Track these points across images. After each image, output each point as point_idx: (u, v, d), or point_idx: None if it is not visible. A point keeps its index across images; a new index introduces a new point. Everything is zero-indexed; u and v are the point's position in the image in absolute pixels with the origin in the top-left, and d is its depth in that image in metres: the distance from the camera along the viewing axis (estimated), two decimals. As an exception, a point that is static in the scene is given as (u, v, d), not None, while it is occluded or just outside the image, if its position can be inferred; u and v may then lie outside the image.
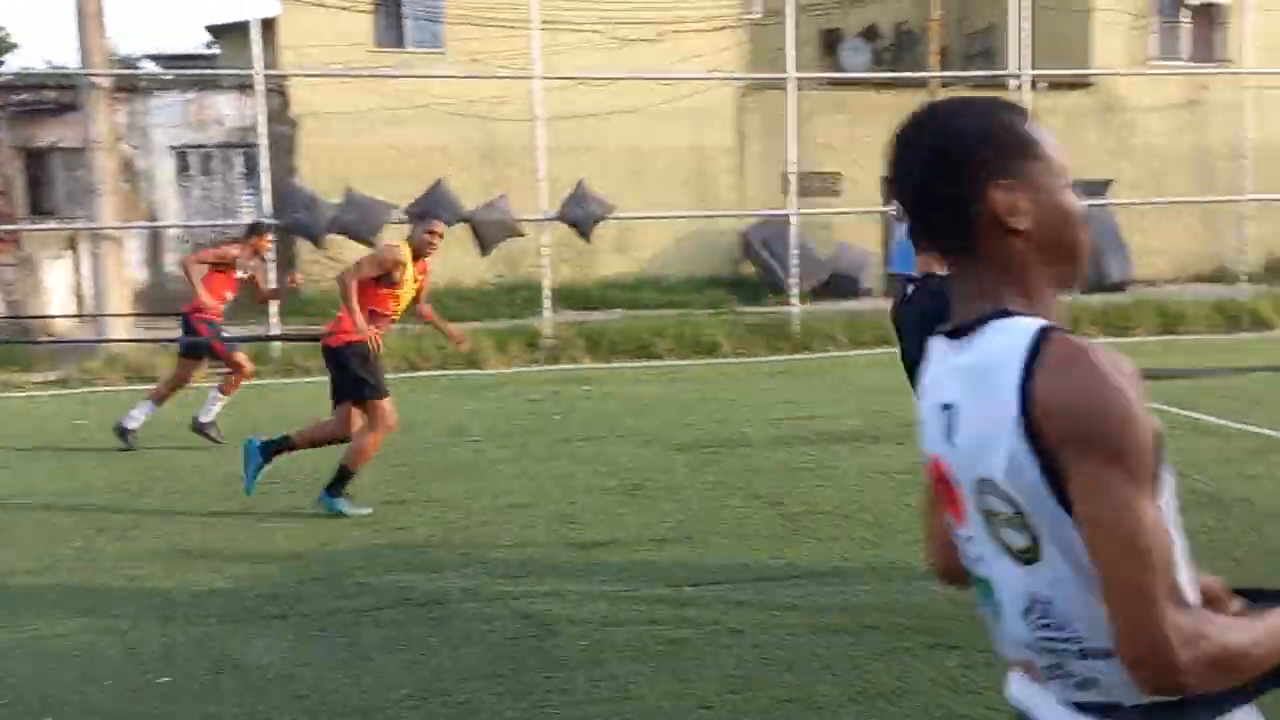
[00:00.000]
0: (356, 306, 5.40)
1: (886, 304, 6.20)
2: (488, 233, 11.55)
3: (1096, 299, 14.42)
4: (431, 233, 5.65)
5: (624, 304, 14.40)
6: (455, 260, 15.34)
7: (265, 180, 11.45)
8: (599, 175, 16.09)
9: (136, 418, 7.25)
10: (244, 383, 7.64)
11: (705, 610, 4.18)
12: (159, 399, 7.44)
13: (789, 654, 3.72)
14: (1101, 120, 17.54)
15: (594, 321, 12.54)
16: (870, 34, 20.76)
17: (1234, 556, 4.63)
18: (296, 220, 11.35)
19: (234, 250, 7.53)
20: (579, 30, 14.63)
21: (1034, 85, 17.00)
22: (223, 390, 7.44)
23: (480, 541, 5.15)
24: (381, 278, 5.51)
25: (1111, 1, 17.44)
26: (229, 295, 7.50)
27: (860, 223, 16.73)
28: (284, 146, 14.74)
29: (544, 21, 12.92)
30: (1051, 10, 17.01)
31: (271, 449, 5.63)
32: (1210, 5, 17.94)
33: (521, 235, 11.90)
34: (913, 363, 4.04)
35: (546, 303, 11.95)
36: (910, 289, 4.19)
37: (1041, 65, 16.32)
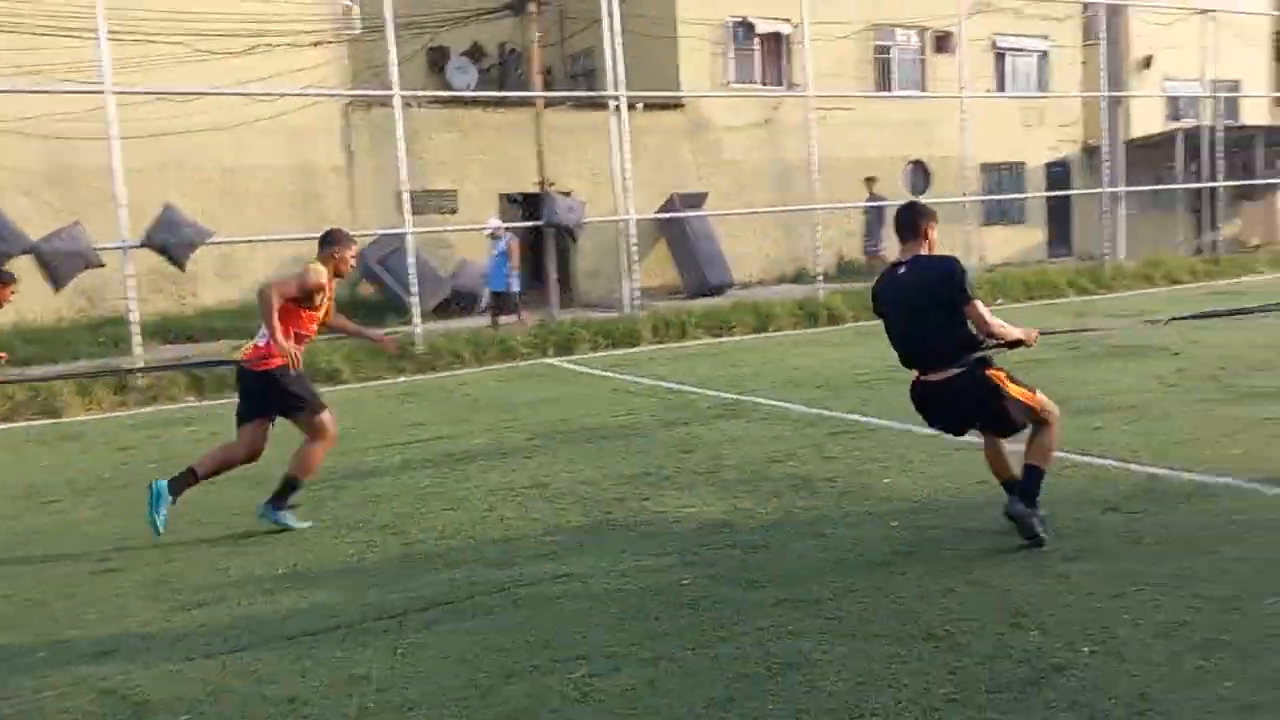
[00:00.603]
0: (279, 326, 5.34)
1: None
2: (59, 265, 10.22)
3: (699, 304, 15.56)
4: (352, 254, 5.72)
5: (231, 334, 13.34)
6: (23, 296, 13.50)
7: None
8: (190, 198, 14.85)
9: None
10: None
11: (325, 659, 3.89)
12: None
13: (417, 693, 3.55)
14: (693, 138, 18.95)
15: (193, 355, 11.49)
16: (476, 53, 20.96)
17: (823, 533, 5.10)
18: None
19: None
20: (156, 42, 13.39)
21: (633, 106, 18.07)
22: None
23: (60, 618, 4.47)
24: (302, 300, 5.49)
25: (694, 29, 18.92)
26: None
27: (481, 238, 16.79)
28: None
29: (116, 32, 11.69)
30: (645, 36, 18.14)
31: (179, 485, 5.57)
32: (776, 35, 20.01)
33: (100, 265, 10.64)
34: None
35: (136, 338, 10.78)
36: (902, 268, 4.81)
37: (637, 86, 17.33)
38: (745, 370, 10.76)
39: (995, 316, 4.73)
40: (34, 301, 13.13)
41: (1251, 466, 5.83)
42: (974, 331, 4.69)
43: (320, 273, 5.52)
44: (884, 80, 21.38)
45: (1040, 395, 4.82)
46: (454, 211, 16.71)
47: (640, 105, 18.10)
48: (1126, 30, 22.66)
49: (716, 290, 17.25)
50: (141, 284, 14.25)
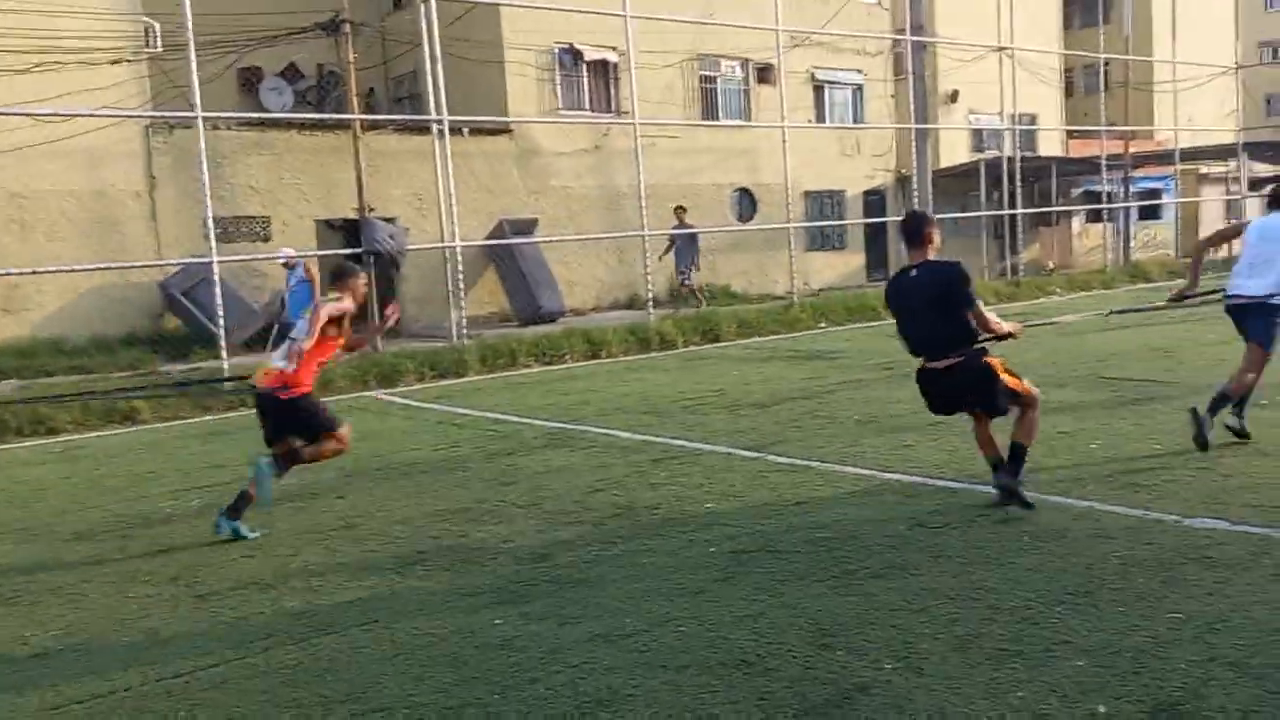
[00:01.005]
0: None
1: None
2: None
3: (529, 331, 15.40)
4: (365, 283, 6.22)
5: (16, 373, 12.31)
6: None
7: None
8: (-26, 224, 13.71)
9: None
10: None
11: (92, 731, 3.52)
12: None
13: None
14: (522, 163, 18.84)
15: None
16: (292, 73, 20.25)
17: (641, 563, 5.03)
18: None
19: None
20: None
21: (459, 130, 17.82)
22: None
23: None
24: (328, 328, 5.87)
25: (521, 55, 18.84)
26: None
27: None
28: None
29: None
30: (471, 61, 17.94)
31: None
32: (604, 62, 20.17)
33: None
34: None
35: (-98, 380, 9.77)
36: (913, 271, 5.48)
37: (465, 111, 17.11)
38: (573, 398, 10.66)
39: (989, 312, 5.41)
40: None
41: (1047, 478, 6.11)
42: (973, 325, 5.36)
43: (349, 303, 5.99)
44: (710, 109, 21.87)
45: (1026, 382, 5.47)
46: (267, 239, 16.00)
47: (466, 130, 17.88)
48: (934, 65, 24.00)
49: (549, 317, 17.13)
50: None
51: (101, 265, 12.78)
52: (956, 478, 6.28)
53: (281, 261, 12.82)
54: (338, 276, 6.13)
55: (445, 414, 10.20)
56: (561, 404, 10.30)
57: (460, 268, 14.02)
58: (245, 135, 15.92)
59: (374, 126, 16.94)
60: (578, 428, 8.87)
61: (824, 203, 23.29)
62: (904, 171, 23.99)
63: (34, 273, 12.84)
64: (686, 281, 17.77)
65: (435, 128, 13.72)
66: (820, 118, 23.41)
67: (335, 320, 5.90)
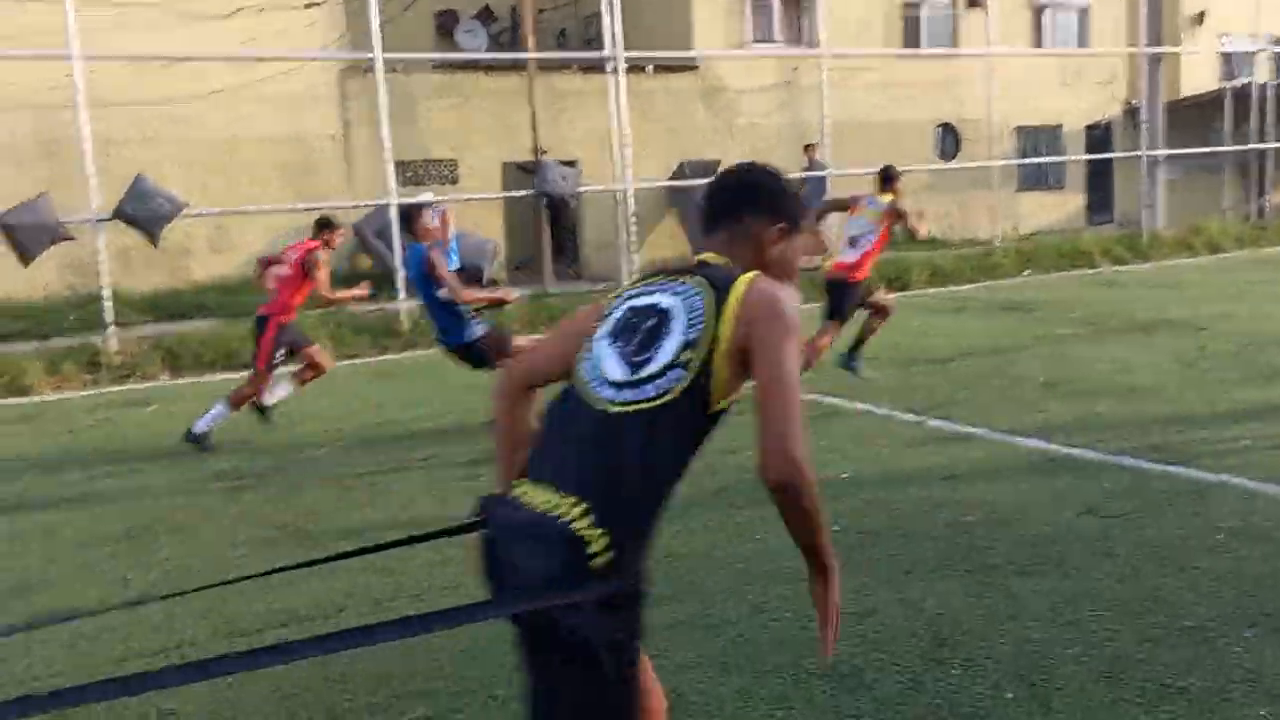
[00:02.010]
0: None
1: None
2: (25, 239, 9.88)
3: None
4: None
5: (223, 310, 13.00)
6: (9, 273, 13.26)
7: None
8: (184, 169, 14.51)
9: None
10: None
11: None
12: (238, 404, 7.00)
13: None
14: (706, 101, 18.23)
15: (175, 333, 11.12)
16: (486, 15, 20.36)
17: (751, 538, 4.55)
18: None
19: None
20: (133, 5, 12.98)
21: (641, 68, 17.38)
22: (299, 379, 7.32)
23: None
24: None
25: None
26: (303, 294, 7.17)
27: (483, 209, 16.30)
28: None
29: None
30: (658, -5, 17.45)
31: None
32: (797, -8, 19.14)
33: (69, 239, 10.30)
34: None
35: (108, 315, 10.45)
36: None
37: (651, 47, 16.66)
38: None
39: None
40: (21, 279, 12.91)
41: (1257, 463, 5.16)
42: None
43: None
44: (913, 39, 20.41)
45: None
46: (454, 182, 16.20)
47: (650, 68, 17.42)
48: (1176, -17, 21.45)
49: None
50: (133, 258, 14.04)
51: (300, 207, 13.21)
52: (1151, 456, 5.40)
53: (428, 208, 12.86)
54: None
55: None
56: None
57: (633, 212, 13.67)
58: (434, 79, 16.10)
59: (560, 66, 16.76)
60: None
61: (1038, 138, 21.37)
62: (1133, 102, 21.70)
63: (238, 213, 13.42)
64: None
65: (609, 65, 13.31)
66: (1038, 44, 21.41)
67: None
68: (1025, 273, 15.33)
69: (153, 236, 10.43)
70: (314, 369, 7.29)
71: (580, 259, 17.24)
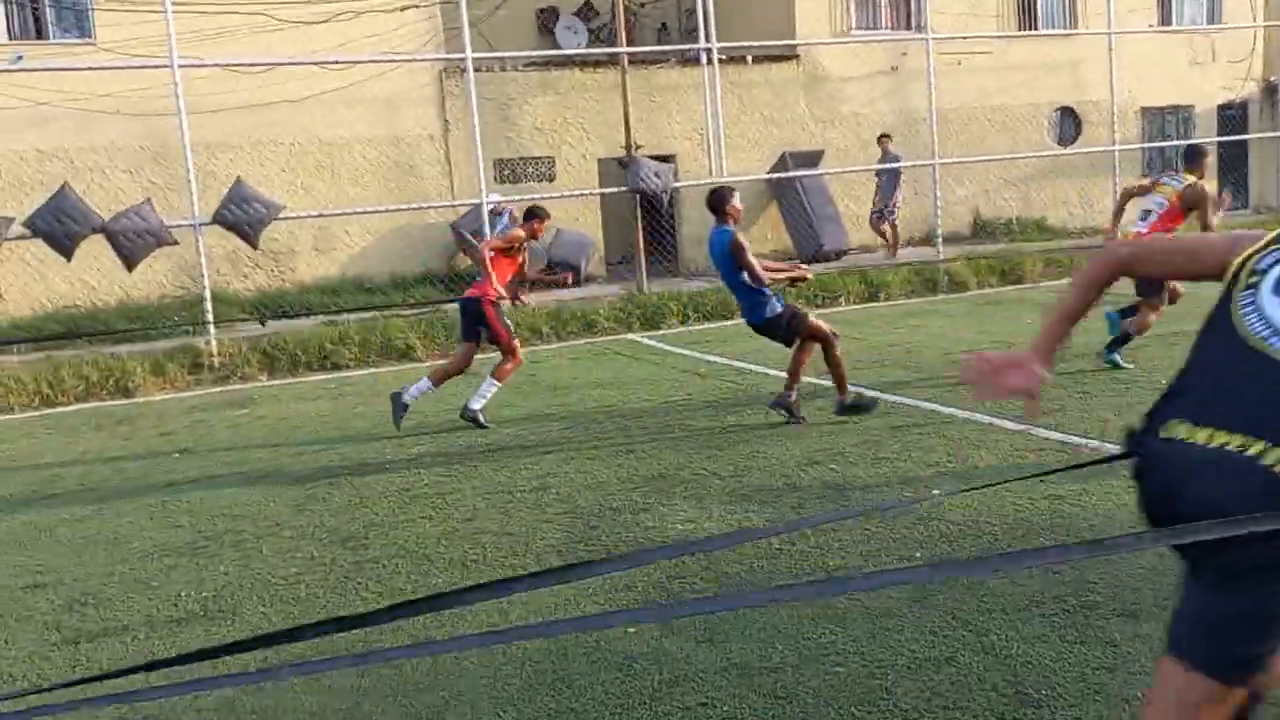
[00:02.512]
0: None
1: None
2: (130, 244, 10.16)
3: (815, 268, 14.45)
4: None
5: (325, 310, 13.21)
6: (124, 275, 13.72)
7: None
8: (288, 172, 14.81)
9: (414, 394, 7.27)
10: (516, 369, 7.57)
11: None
12: (439, 381, 7.39)
13: None
14: (809, 91, 17.71)
15: (274, 334, 11.30)
16: (586, 12, 20.24)
17: (823, 566, 4.21)
18: None
19: (520, 234, 7.62)
20: (233, 13, 13.25)
21: (741, 59, 17.00)
22: (496, 376, 7.38)
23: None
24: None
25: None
26: (510, 278, 7.58)
27: (580, 205, 16.18)
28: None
29: (189, 3, 11.59)
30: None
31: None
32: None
33: (173, 244, 10.55)
34: None
35: (209, 316, 10.67)
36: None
37: (753, 36, 16.27)
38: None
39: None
40: (134, 281, 13.35)
41: None
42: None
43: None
44: (1029, 20, 19.44)
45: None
46: (551, 179, 16.12)
47: (749, 58, 17.02)
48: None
49: (832, 255, 16.08)
50: (240, 260, 14.40)
51: (399, 207, 13.33)
52: None
53: (490, 209, 12.72)
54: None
55: (693, 361, 9.67)
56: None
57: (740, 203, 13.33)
58: (531, 75, 16.04)
59: (655, 61, 16.51)
60: (821, 382, 8.01)
61: (1166, 120, 20.11)
62: (1272, 79, 20.26)
63: (325, 215, 13.61)
64: (892, 219, 16.20)
65: (704, 56, 12.98)
66: (1165, 20, 20.14)
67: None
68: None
69: (250, 239, 10.61)
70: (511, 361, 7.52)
71: (679, 255, 16.98)
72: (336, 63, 12.64)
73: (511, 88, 15.87)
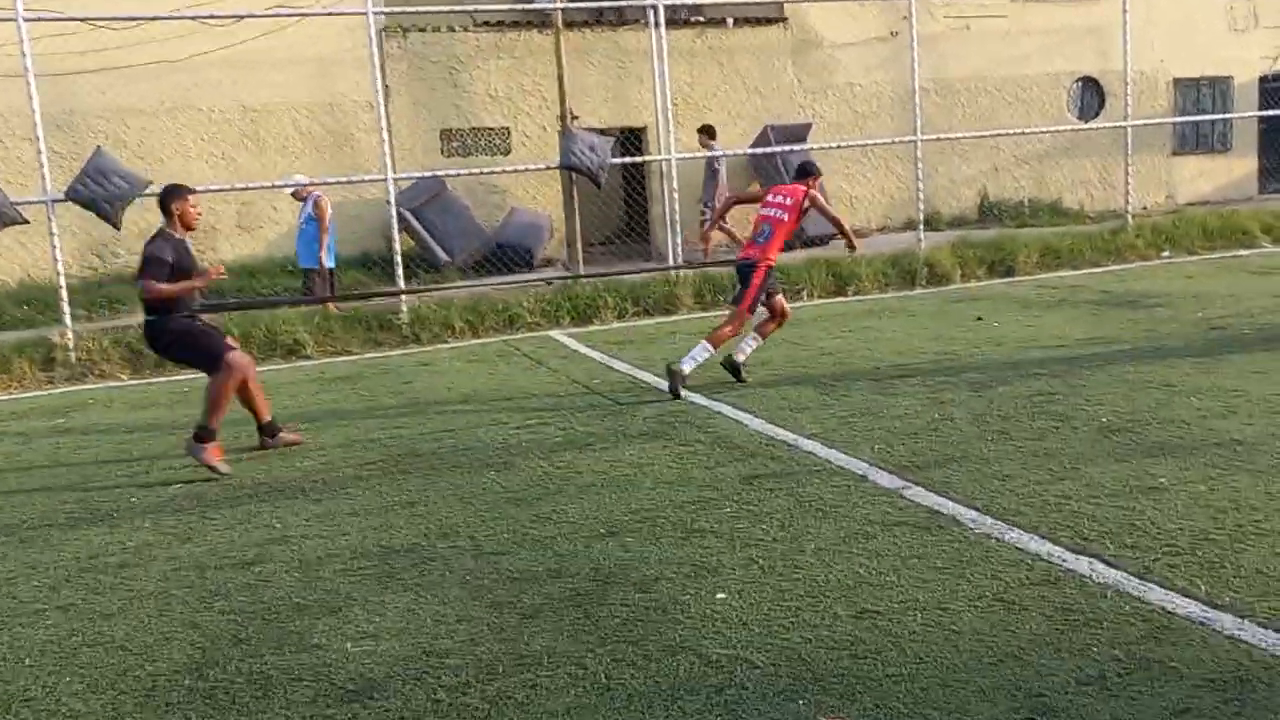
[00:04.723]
0: None
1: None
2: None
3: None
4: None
5: (248, 293, 12.02)
6: (25, 254, 12.68)
7: None
8: (209, 141, 13.60)
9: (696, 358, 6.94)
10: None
11: None
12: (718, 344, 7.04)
13: None
14: (797, 58, 16.14)
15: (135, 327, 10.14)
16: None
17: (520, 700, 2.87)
18: None
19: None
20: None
21: (721, 21, 15.47)
22: (760, 333, 7.36)
23: None
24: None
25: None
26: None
27: (539, 182, 14.84)
28: None
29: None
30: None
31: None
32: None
33: (22, 222, 9.39)
34: None
35: (64, 305, 9.53)
36: None
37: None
38: (752, 355, 8.30)
39: None
40: (38, 260, 12.29)
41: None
42: None
43: None
44: (1050, -19, 17.63)
45: None
46: (507, 152, 14.77)
47: (730, 20, 15.50)
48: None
49: (815, 240, 14.55)
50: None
51: (333, 180, 12.03)
52: (1207, 590, 3.41)
53: (290, 192, 11.28)
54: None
55: (597, 368, 8.30)
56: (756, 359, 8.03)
57: (674, 186, 11.89)
58: (483, 38, 14.65)
59: (624, 23, 15.04)
60: (709, 405, 6.64)
61: (1201, 92, 18.20)
62: (1325, 48, 18.28)
63: (265, 187, 12.32)
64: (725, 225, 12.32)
65: (651, 14, 11.47)
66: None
67: None
68: (1163, 254, 12.75)
69: (110, 219, 9.40)
70: (777, 319, 7.36)
71: (652, 238, 15.56)
72: (228, 17, 11.12)
73: (460, 49, 14.53)
